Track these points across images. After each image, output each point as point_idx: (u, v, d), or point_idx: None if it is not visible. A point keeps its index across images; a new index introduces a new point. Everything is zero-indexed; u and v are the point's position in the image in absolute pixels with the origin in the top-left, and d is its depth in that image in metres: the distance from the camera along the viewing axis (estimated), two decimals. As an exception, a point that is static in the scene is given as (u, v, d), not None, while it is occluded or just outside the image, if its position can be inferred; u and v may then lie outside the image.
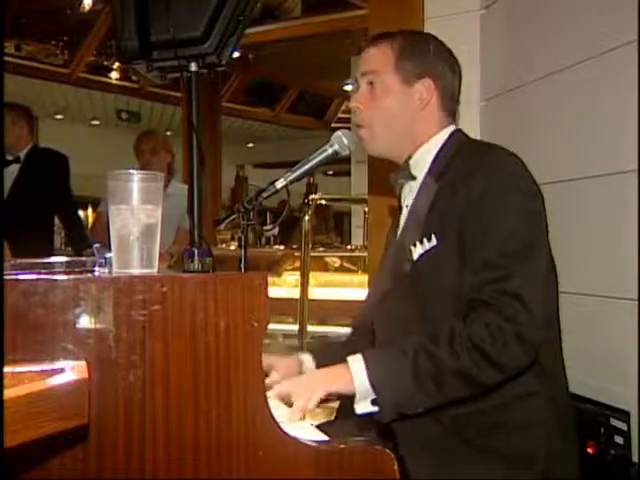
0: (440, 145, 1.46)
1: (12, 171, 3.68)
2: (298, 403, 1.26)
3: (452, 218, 1.32)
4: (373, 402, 1.25)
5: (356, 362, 1.27)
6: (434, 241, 1.35)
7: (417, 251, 1.37)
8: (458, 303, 1.30)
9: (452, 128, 1.49)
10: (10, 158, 3.71)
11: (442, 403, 1.25)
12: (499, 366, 1.23)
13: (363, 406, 1.26)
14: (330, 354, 1.56)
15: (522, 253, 1.28)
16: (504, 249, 1.27)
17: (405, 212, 1.50)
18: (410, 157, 1.48)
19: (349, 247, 5.08)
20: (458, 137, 1.48)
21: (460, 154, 1.42)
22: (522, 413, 1.32)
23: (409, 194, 1.50)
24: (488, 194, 1.30)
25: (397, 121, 1.46)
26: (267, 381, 1.34)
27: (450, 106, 1.50)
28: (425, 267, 1.37)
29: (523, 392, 1.32)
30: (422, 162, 1.46)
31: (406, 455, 1.25)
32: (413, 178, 1.47)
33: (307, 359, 1.58)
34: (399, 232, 1.50)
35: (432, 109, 1.47)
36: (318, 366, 1.55)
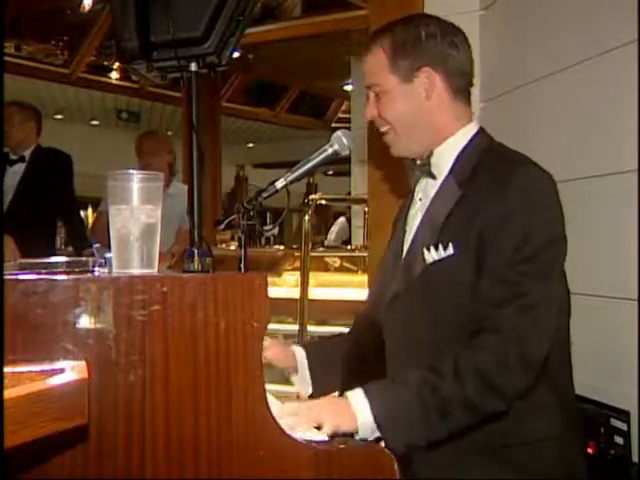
0: (462, 145, 1.43)
1: (15, 171, 3.69)
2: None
3: (473, 231, 1.31)
4: (377, 439, 1.22)
5: (359, 402, 1.22)
6: (451, 250, 1.33)
7: (431, 256, 1.36)
8: (469, 316, 1.30)
9: (474, 127, 1.45)
10: (15, 158, 3.72)
11: (445, 435, 1.25)
12: (502, 395, 1.24)
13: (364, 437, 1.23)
14: (323, 354, 1.57)
15: (541, 274, 1.28)
16: (524, 269, 1.27)
17: (419, 205, 1.48)
18: (432, 154, 1.45)
19: (349, 247, 5.07)
20: (482, 139, 1.45)
21: (487, 162, 1.39)
22: (536, 425, 1.32)
23: (425, 187, 1.48)
24: (516, 215, 1.29)
25: (413, 119, 1.43)
26: None
27: (461, 84, 1.44)
28: (439, 275, 1.35)
29: (536, 405, 1.31)
30: (443, 161, 1.43)
31: (417, 461, 1.25)
32: (433, 177, 1.45)
33: (299, 352, 1.55)
34: (413, 229, 1.47)
35: (440, 94, 1.42)
36: (310, 363, 1.53)
